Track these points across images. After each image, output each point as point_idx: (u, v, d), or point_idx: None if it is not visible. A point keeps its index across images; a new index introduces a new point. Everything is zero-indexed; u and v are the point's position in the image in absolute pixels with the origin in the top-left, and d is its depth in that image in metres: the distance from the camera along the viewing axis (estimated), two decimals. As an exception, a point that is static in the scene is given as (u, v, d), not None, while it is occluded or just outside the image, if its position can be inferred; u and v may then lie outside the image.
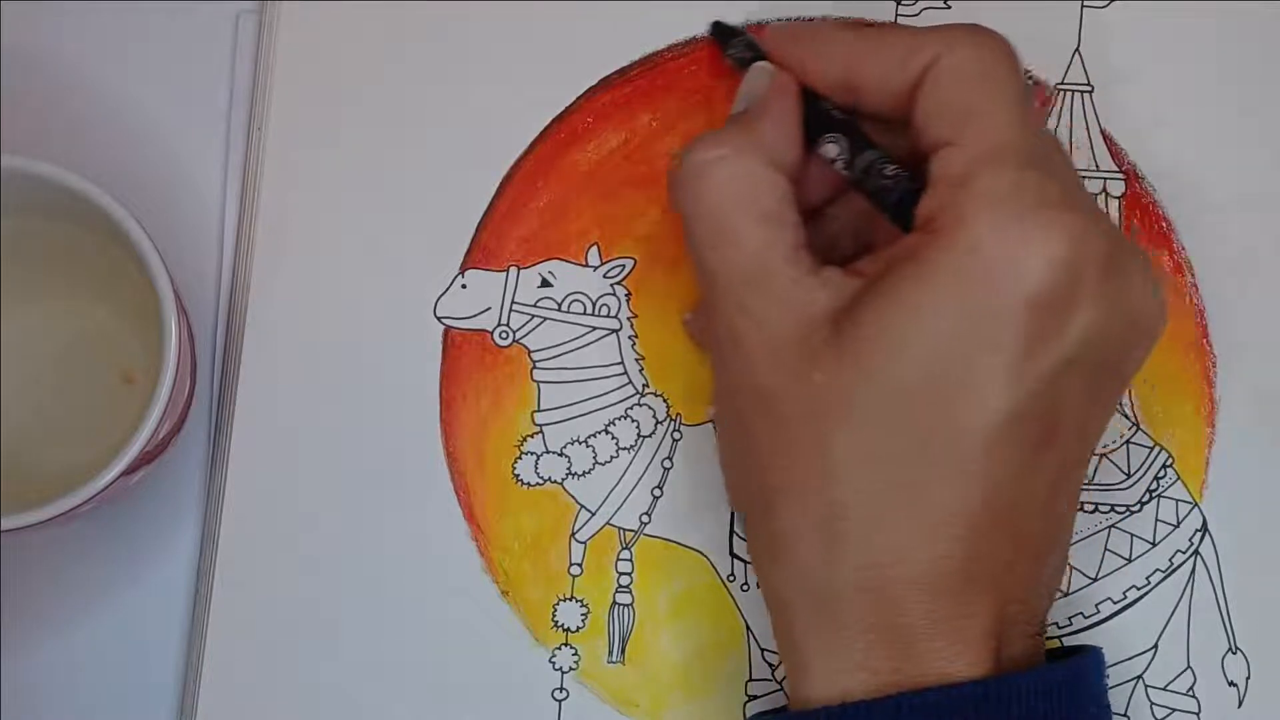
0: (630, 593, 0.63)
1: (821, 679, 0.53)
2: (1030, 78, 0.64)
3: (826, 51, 0.58)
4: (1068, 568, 0.63)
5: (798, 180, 0.57)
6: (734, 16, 0.65)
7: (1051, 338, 0.51)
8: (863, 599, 0.52)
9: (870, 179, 0.57)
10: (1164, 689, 0.64)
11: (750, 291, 0.54)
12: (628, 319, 0.64)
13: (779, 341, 0.54)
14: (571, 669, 0.63)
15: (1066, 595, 0.63)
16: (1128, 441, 0.64)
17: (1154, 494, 0.64)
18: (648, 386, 0.64)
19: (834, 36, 0.58)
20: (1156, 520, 0.64)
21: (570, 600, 0.63)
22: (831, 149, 0.57)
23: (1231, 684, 0.64)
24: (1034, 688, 0.53)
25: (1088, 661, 0.55)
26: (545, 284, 0.64)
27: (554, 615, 0.63)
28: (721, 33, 0.64)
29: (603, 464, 0.64)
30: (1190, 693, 0.63)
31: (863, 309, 0.52)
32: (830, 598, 0.53)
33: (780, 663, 0.63)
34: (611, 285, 0.65)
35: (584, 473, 0.64)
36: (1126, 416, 0.64)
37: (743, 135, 0.56)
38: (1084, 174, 0.64)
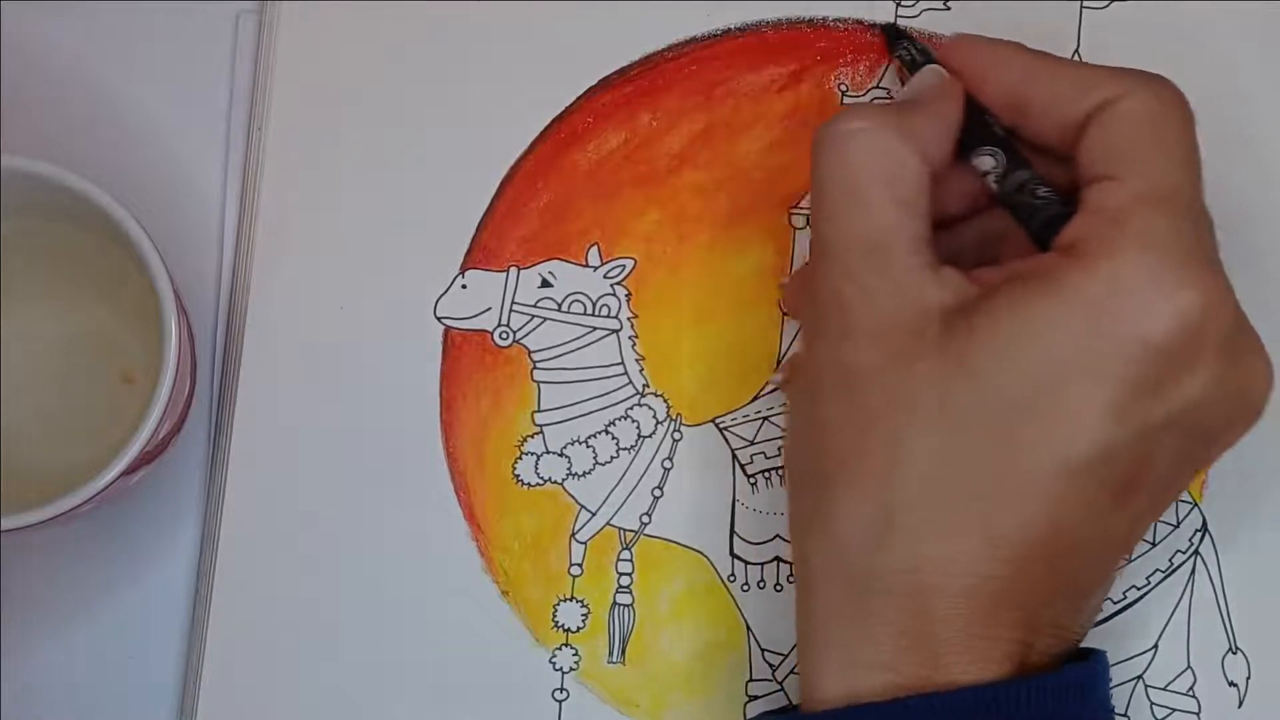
0: (630, 593, 0.63)
1: (839, 670, 0.53)
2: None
3: (1003, 68, 0.58)
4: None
5: (940, 182, 0.56)
6: (734, 17, 0.65)
7: (1163, 389, 0.51)
8: (898, 599, 0.52)
9: (1021, 196, 0.57)
10: (1164, 689, 0.63)
11: (867, 266, 0.54)
12: (628, 319, 0.64)
13: (885, 323, 0.53)
14: (572, 669, 0.63)
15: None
16: (1128, 441, 0.64)
17: (1154, 494, 0.64)
18: (648, 387, 0.64)
19: (1013, 56, 0.58)
20: (1156, 520, 0.64)
21: (570, 600, 0.63)
22: (988, 160, 0.57)
23: (1232, 684, 0.63)
24: (1041, 693, 0.52)
25: (1095, 666, 0.55)
26: (545, 284, 0.64)
27: (554, 615, 0.63)
28: (892, 33, 0.64)
29: (603, 464, 0.64)
30: (1190, 693, 0.63)
31: (981, 313, 0.52)
32: (866, 589, 0.53)
33: (780, 663, 0.63)
34: (612, 285, 0.65)
35: (584, 473, 0.64)
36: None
37: (893, 117, 0.56)
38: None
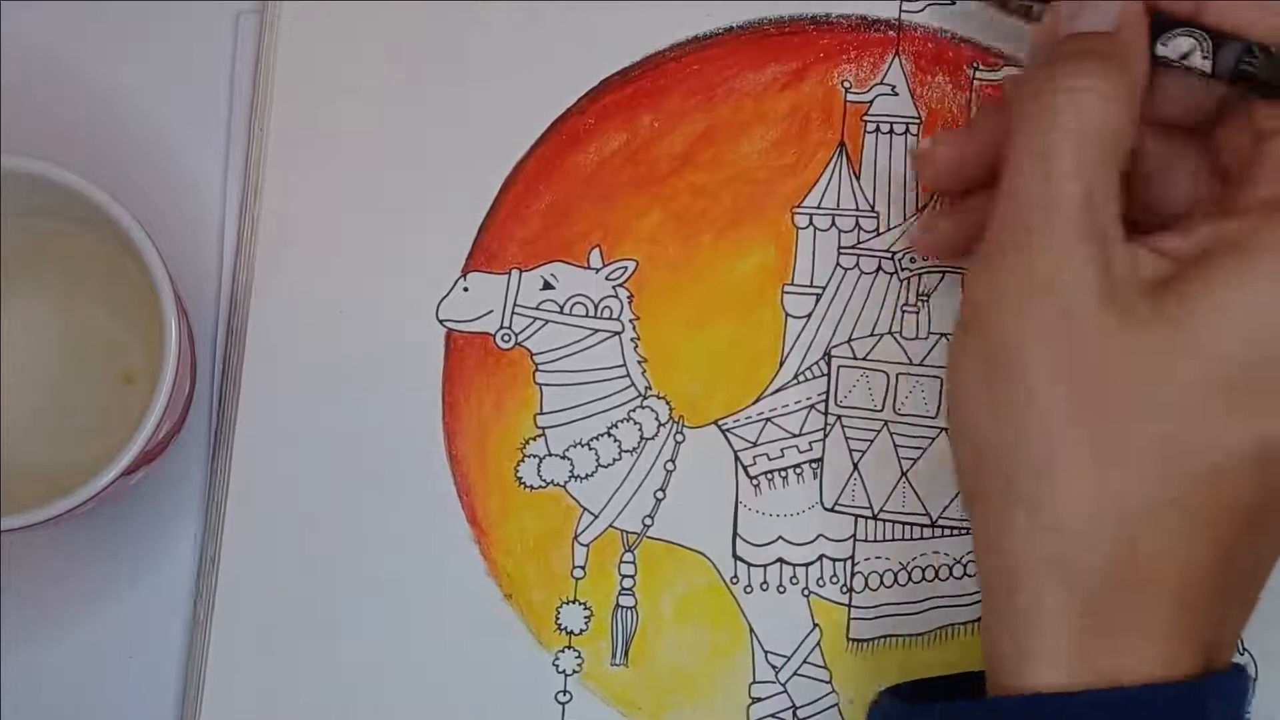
0: (633, 595, 0.63)
1: (1047, 659, 0.51)
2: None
3: None
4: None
5: None
6: (731, 16, 0.65)
7: None
8: (1114, 585, 0.51)
9: (1251, 62, 0.53)
10: (1169, 690, 0.63)
11: (1089, 242, 0.51)
12: (630, 321, 0.64)
13: (1100, 301, 0.51)
14: (574, 671, 0.63)
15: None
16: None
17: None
18: (650, 389, 0.64)
19: None
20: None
21: (573, 603, 0.63)
22: (1186, 42, 0.54)
23: (1238, 685, 0.63)
24: (1231, 689, 0.53)
25: (1247, 673, 0.55)
26: (547, 286, 0.64)
27: (557, 618, 0.63)
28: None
29: (605, 466, 0.64)
30: (1197, 694, 0.63)
31: (1199, 288, 0.51)
32: (1081, 576, 0.51)
33: (783, 665, 0.63)
34: (614, 287, 0.64)
35: (586, 475, 0.64)
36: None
37: (1118, 70, 0.53)
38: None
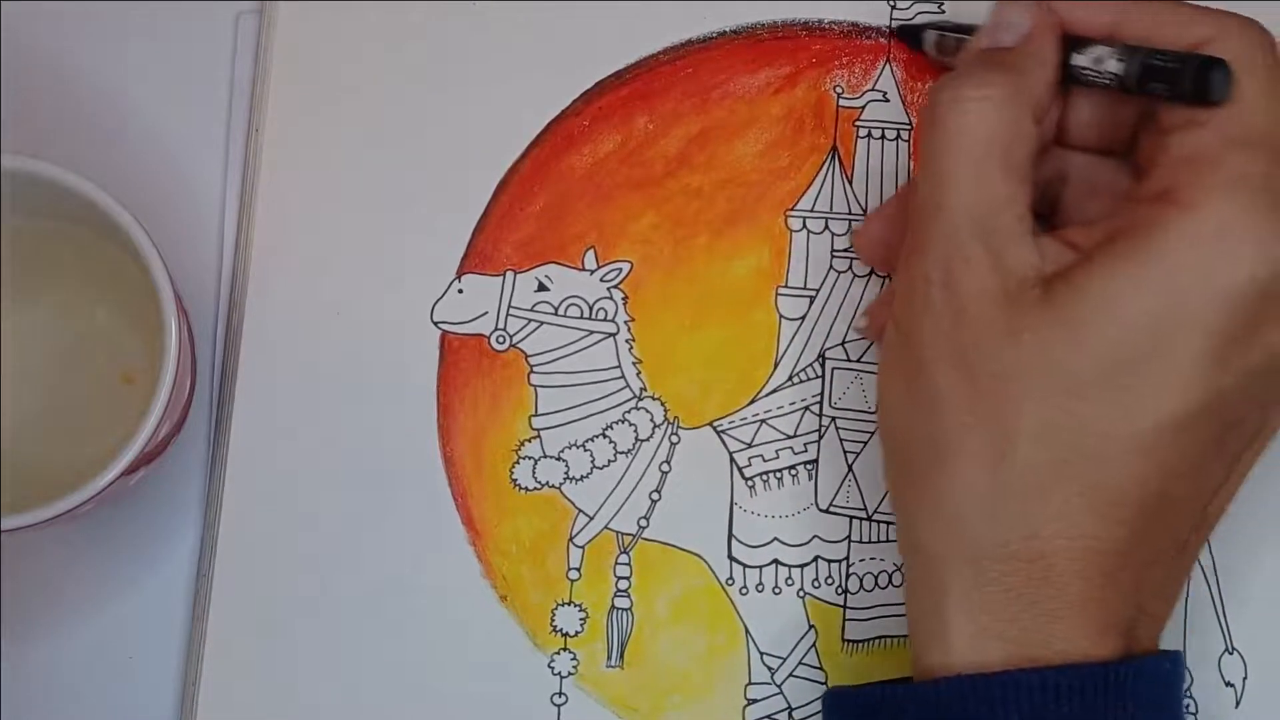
0: (629, 597, 0.63)
1: (960, 642, 0.53)
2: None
3: (1097, 5, 0.57)
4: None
5: None
6: (728, 18, 0.65)
7: (1260, 333, 0.52)
8: (1019, 567, 0.52)
9: (1155, 64, 0.54)
10: (1163, 689, 0.63)
11: (977, 241, 0.53)
12: (625, 322, 0.64)
13: (991, 297, 0.53)
14: (570, 674, 0.63)
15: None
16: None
17: (1152, 494, 0.64)
18: (645, 390, 0.64)
19: None
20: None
21: (569, 605, 0.63)
22: (1100, 49, 0.56)
23: (1229, 684, 0.63)
24: (1155, 673, 0.53)
25: (1179, 656, 0.56)
26: (542, 288, 0.65)
27: (552, 620, 0.63)
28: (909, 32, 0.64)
29: (600, 468, 0.64)
30: (1187, 693, 0.63)
31: (1084, 274, 0.52)
32: (986, 560, 0.53)
33: (779, 666, 0.63)
34: (608, 288, 0.65)
35: (582, 477, 0.64)
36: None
37: (1012, 78, 0.55)
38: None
